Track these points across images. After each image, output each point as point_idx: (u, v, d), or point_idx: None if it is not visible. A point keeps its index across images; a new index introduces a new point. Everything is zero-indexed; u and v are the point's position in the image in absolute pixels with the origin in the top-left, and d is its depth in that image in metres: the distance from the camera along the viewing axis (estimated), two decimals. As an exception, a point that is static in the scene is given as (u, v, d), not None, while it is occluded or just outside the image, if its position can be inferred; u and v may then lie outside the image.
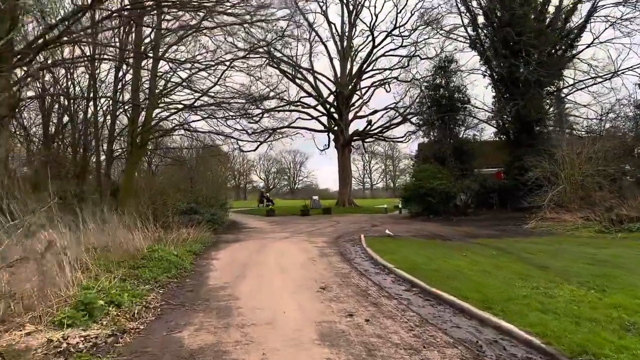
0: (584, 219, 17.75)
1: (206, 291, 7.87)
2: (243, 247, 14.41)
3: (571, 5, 27.21)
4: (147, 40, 21.64)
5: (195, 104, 21.01)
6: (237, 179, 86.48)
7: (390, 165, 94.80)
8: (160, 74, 21.73)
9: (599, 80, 26.10)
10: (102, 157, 28.52)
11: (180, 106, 21.19)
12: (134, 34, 19.65)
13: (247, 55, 21.05)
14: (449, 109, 30.09)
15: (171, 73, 21.05)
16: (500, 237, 16.95)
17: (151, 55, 19.30)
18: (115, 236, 10.61)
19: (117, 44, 18.87)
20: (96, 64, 26.67)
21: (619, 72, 25.21)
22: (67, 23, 14.33)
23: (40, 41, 13.13)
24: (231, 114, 21.98)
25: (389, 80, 40.49)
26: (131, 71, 21.19)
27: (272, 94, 25.89)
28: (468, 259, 10.88)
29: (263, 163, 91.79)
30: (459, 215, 28.11)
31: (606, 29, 25.77)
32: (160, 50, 20.76)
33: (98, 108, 29.56)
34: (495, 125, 30.14)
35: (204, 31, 20.07)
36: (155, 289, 7.83)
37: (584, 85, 27.92)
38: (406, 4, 38.22)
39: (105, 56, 19.44)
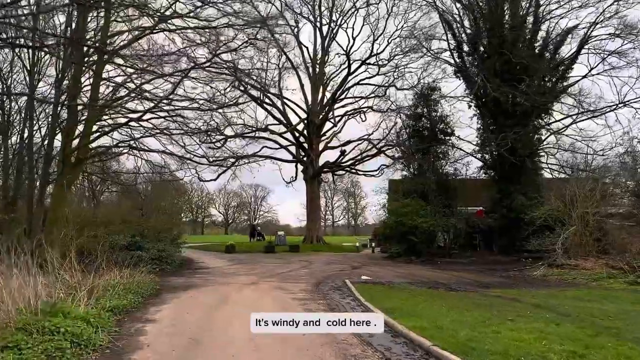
0: (608, 266, 15.06)
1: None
2: (196, 300, 10.55)
3: (559, 38, 25.78)
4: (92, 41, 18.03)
5: (145, 117, 17.29)
6: (194, 213, 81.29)
7: (352, 202, 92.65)
8: (106, 78, 17.99)
9: (596, 114, 24.32)
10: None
11: (127, 117, 17.36)
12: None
13: (210, 62, 17.69)
14: (431, 140, 27.80)
15: (118, 77, 17.35)
16: (513, 286, 14.05)
17: (95, 46, 15.63)
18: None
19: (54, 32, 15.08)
20: (35, 68, 22.73)
21: (620, 105, 23.52)
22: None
23: None
24: (189, 129, 18.28)
25: (364, 109, 38.01)
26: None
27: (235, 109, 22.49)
28: (521, 325, 7.62)
29: (223, 196, 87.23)
30: (443, 256, 25.32)
31: (602, 60, 24.07)
32: (108, 48, 17.15)
33: (35, 128, 25.25)
34: (481, 159, 27.82)
35: (162, 33, 16.79)
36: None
37: (572, 121, 26.21)
38: (384, 30, 36.00)
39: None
